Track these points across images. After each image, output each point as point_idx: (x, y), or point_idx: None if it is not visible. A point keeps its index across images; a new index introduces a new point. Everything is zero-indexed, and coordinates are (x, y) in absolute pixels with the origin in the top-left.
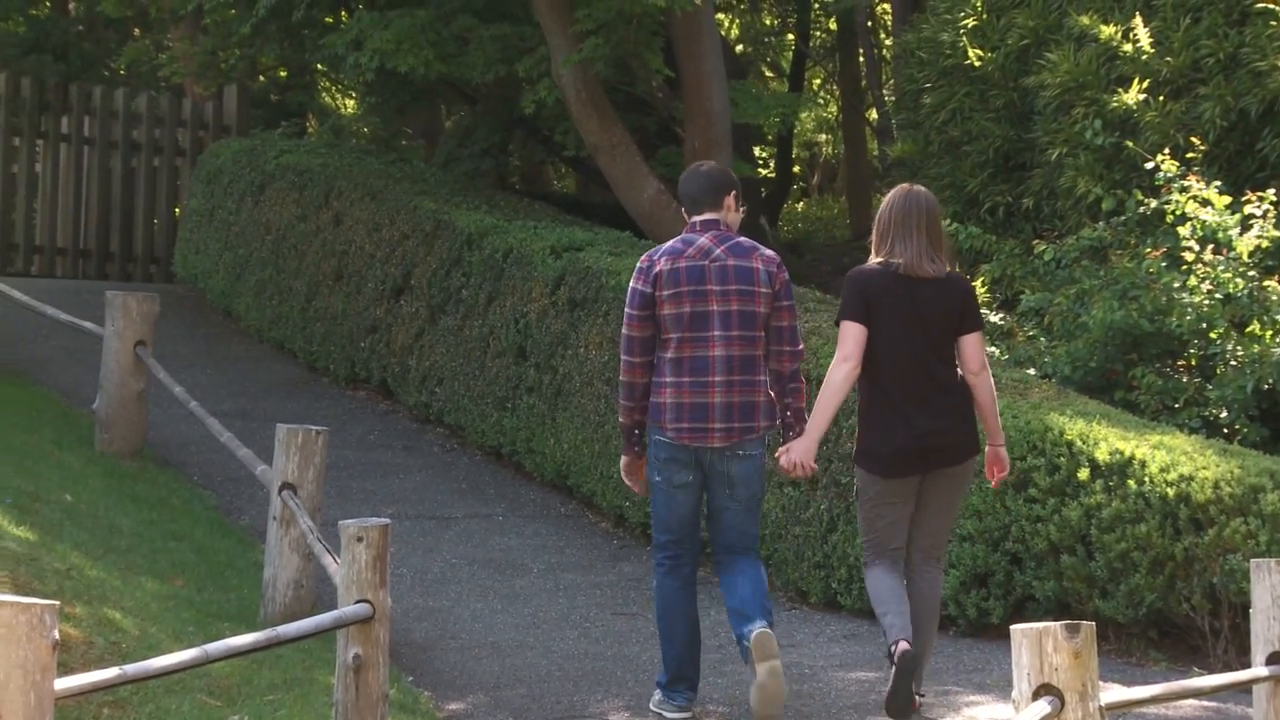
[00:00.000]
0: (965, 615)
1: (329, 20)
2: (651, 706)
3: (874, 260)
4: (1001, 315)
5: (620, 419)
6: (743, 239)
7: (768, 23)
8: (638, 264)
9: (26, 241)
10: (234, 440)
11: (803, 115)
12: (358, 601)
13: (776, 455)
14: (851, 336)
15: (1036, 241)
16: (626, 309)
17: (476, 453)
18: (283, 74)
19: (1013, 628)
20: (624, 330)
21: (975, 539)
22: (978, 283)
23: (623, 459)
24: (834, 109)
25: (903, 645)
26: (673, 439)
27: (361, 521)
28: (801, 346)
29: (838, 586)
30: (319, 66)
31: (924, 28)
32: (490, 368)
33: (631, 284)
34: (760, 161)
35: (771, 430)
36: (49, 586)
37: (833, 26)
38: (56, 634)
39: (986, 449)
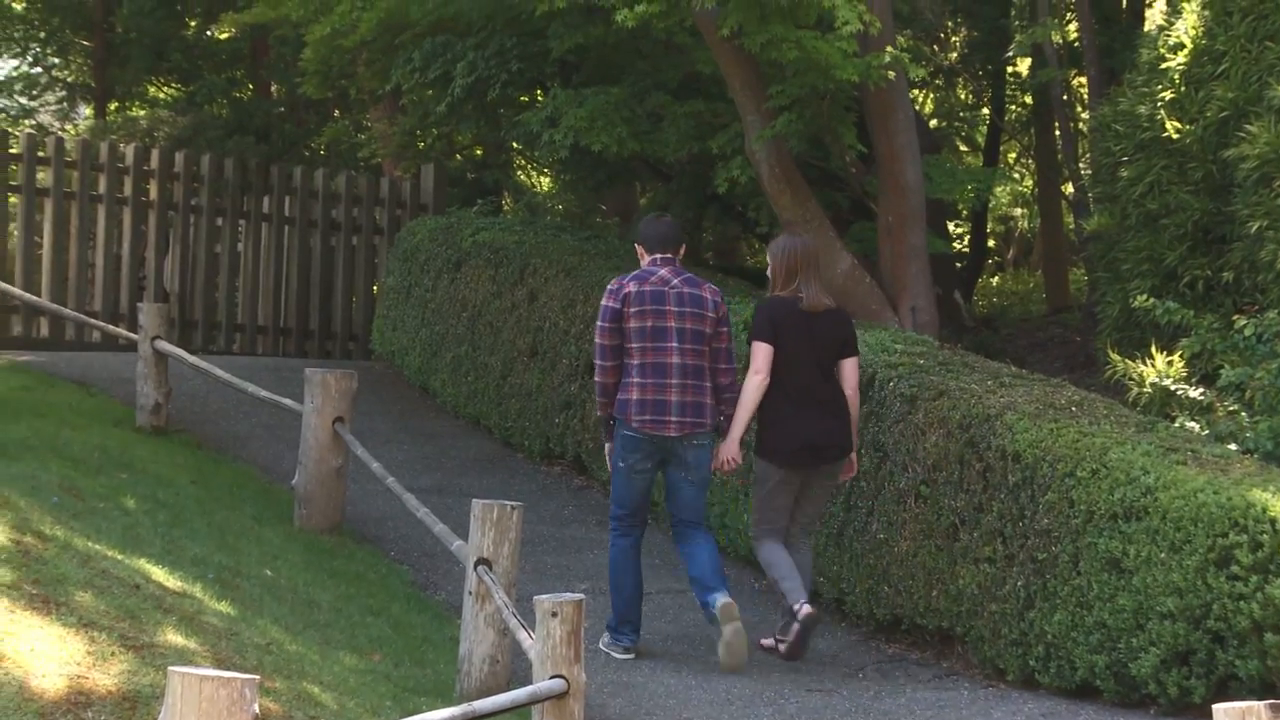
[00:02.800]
0: (1166, 694)
1: (524, 99)
2: (601, 646)
3: (779, 293)
4: (1201, 390)
5: (598, 412)
6: (691, 274)
7: (962, 97)
8: (609, 286)
9: (229, 320)
10: (430, 516)
11: (997, 189)
12: (552, 677)
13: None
14: (762, 354)
15: (1237, 316)
16: (599, 323)
17: (668, 528)
18: (479, 152)
19: (1215, 707)
20: (596, 340)
21: (1176, 616)
22: (1175, 357)
23: (606, 445)
24: (1029, 183)
25: (806, 609)
26: (636, 429)
27: (556, 596)
28: (735, 365)
29: (1035, 664)
30: (514, 144)
31: (1120, 101)
32: None
33: (604, 302)
34: (954, 236)
35: (715, 426)
36: (249, 661)
37: (1028, 100)
38: (256, 708)
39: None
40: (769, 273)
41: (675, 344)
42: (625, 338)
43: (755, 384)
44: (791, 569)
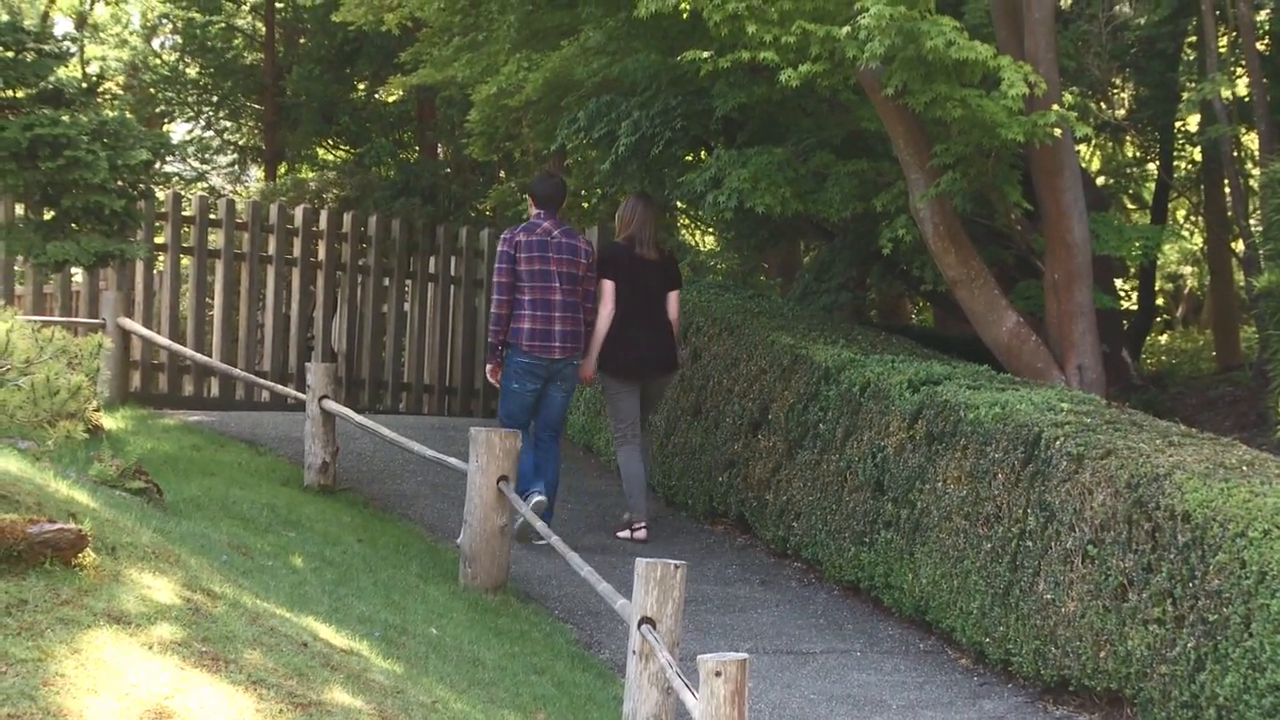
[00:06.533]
0: None
1: (688, 158)
2: (522, 507)
3: (619, 240)
4: None
5: (490, 339)
6: (568, 227)
7: (1130, 153)
8: (503, 235)
9: (395, 379)
10: (594, 574)
11: (1165, 247)
12: None
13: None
14: (609, 290)
15: None
16: (497, 264)
17: (834, 587)
18: None
19: None
20: (495, 279)
21: None
22: None
23: (488, 366)
24: (1199, 240)
25: (642, 533)
26: (527, 352)
27: (720, 656)
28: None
29: None
30: (678, 203)
31: None
32: (847, 502)
33: (499, 248)
34: (1122, 294)
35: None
36: (415, 719)
37: (1197, 157)
38: None
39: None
40: (615, 221)
41: (557, 284)
42: (518, 278)
43: (605, 315)
44: (640, 485)
